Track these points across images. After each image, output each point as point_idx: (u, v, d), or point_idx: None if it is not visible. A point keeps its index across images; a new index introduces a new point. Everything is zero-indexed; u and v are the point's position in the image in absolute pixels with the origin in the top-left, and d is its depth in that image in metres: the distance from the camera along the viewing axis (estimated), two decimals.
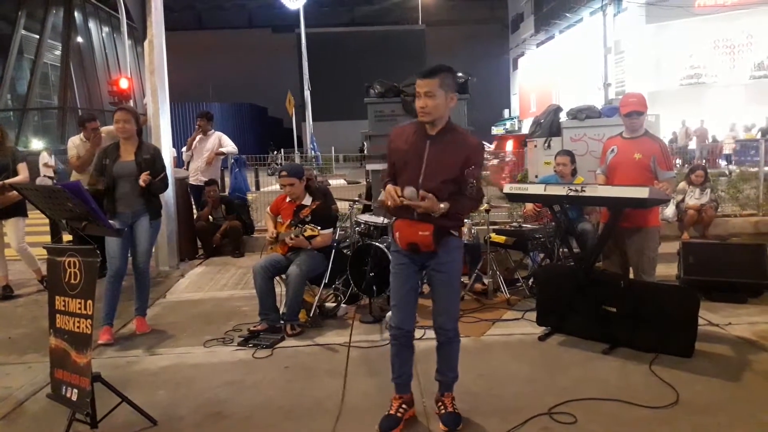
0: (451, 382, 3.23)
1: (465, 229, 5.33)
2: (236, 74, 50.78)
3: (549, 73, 35.65)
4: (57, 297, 3.21)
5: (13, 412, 3.49)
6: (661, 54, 25.83)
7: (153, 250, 4.96)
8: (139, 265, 4.71)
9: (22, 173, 5.83)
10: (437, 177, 2.90)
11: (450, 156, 2.91)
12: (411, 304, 3.13)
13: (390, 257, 4.94)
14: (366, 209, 6.81)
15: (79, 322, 3.09)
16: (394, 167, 3.11)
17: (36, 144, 23.52)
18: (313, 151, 26.29)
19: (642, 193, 3.90)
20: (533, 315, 4.72)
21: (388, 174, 3.17)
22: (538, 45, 40.75)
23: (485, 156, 3.21)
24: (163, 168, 4.78)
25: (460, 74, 7.05)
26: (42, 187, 3.52)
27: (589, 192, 4.13)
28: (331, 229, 5.07)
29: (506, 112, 46.81)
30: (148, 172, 4.54)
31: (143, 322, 4.85)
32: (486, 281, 5.56)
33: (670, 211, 7.99)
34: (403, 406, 3.20)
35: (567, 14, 34.25)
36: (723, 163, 17.82)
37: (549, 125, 7.40)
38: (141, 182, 4.50)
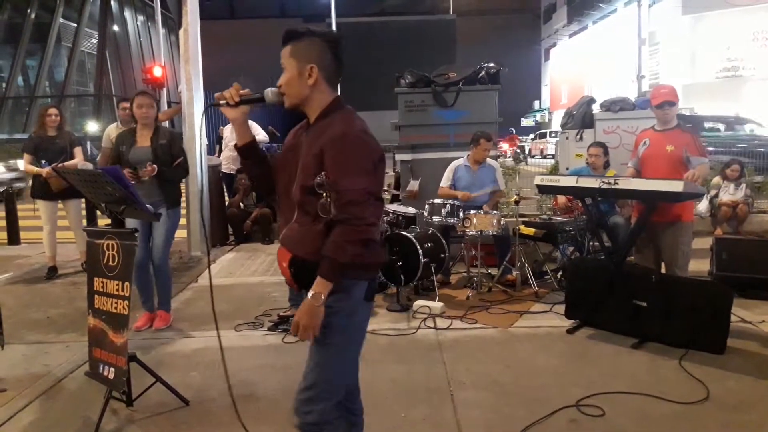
0: None
1: (494, 221, 5.34)
2: (267, 63, 50.86)
3: (581, 65, 35.09)
4: (96, 278, 3.30)
5: (52, 389, 3.61)
6: (696, 46, 25.21)
7: (172, 242, 4.68)
8: (155, 259, 4.48)
9: (78, 156, 6.08)
10: (299, 181, 2.06)
11: (310, 150, 2.04)
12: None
13: (417, 246, 5.01)
14: (394, 199, 6.84)
15: (116, 302, 3.18)
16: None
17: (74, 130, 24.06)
18: None
19: (676, 186, 3.85)
20: (561, 308, 4.69)
21: None
22: (570, 36, 40.09)
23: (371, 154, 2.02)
24: (181, 152, 4.56)
25: (491, 64, 7.03)
26: (83, 171, 3.62)
27: (622, 185, 4.10)
28: None
29: (536, 104, 46.26)
30: (152, 163, 4.31)
31: (162, 316, 4.68)
32: (514, 273, 5.55)
33: (703, 206, 7.85)
34: None
35: (601, 5, 33.59)
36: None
37: (581, 117, 7.32)
38: (143, 174, 4.24)
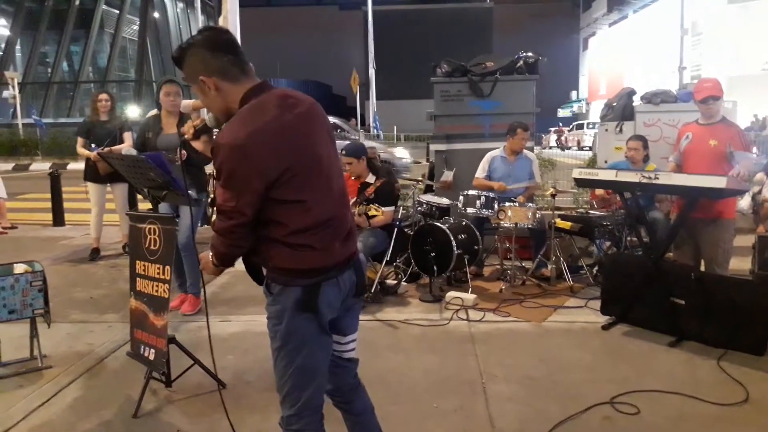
0: None
1: (529, 214, 5.30)
2: (303, 51, 51.41)
3: (621, 55, 34.39)
4: (137, 261, 3.40)
5: (95, 367, 3.74)
6: (742, 36, 24.39)
7: (198, 226, 4.78)
8: (180, 240, 4.29)
9: (127, 141, 6.19)
10: None
11: None
12: None
13: (450, 237, 5.01)
14: (428, 189, 6.83)
15: (157, 286, 3.27)
16: None
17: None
18: (375, 130, 26.40)
19: (719, 182, 3.76)
20: (597, 303, 4.64)
21: None
22: (610, 25, 39.27)
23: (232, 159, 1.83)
24: None
25: (530, 54, 6.93)
26: (127, 157, 3.71)
27: (663, 180, 4.02)
28: (392, 207, 5.13)
29: (574, 94, 45.53)
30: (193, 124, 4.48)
31: (191, 300, 4.68)
32: (549, 267, 5.50)
33: (745, 202, 7.64)
34: None
35: None
36: None
37: (621, 109, 7.19)
38: (185, 131, 4.38)
